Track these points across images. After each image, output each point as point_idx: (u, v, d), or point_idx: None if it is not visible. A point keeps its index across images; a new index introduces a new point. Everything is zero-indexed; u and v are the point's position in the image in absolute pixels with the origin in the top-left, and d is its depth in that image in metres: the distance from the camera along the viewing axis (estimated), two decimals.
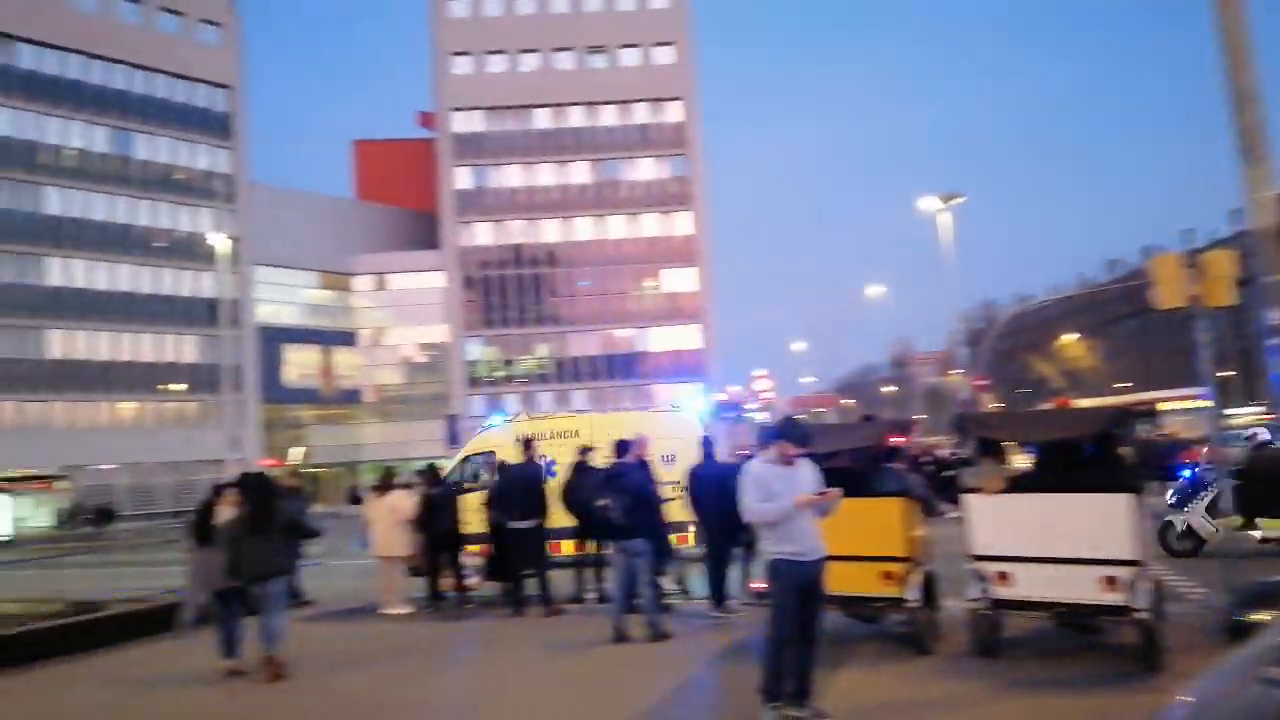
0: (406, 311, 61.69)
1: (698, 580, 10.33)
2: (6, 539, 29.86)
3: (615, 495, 8.48)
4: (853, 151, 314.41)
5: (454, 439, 50.71)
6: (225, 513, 8.35)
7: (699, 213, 62.03)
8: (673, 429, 14.15)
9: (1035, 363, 79.46)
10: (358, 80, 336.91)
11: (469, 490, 13.25)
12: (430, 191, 62.65)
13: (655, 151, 62.20)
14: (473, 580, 11.37)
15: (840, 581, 6.53)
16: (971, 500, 7.11)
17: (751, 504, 5.64)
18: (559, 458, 13.01)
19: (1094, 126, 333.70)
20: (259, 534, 7.84)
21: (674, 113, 62.47)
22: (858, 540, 7.09)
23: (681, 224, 62.16)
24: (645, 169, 62.28)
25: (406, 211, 65.95)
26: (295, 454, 57.49)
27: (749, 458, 7.88)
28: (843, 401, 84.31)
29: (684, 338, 61.61)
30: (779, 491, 5.59)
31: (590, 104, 61.62)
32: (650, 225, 62.03)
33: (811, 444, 6.01)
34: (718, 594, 9.43)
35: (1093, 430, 7.35)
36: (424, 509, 10.97)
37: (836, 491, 5.76)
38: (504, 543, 10.79)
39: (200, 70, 54.46)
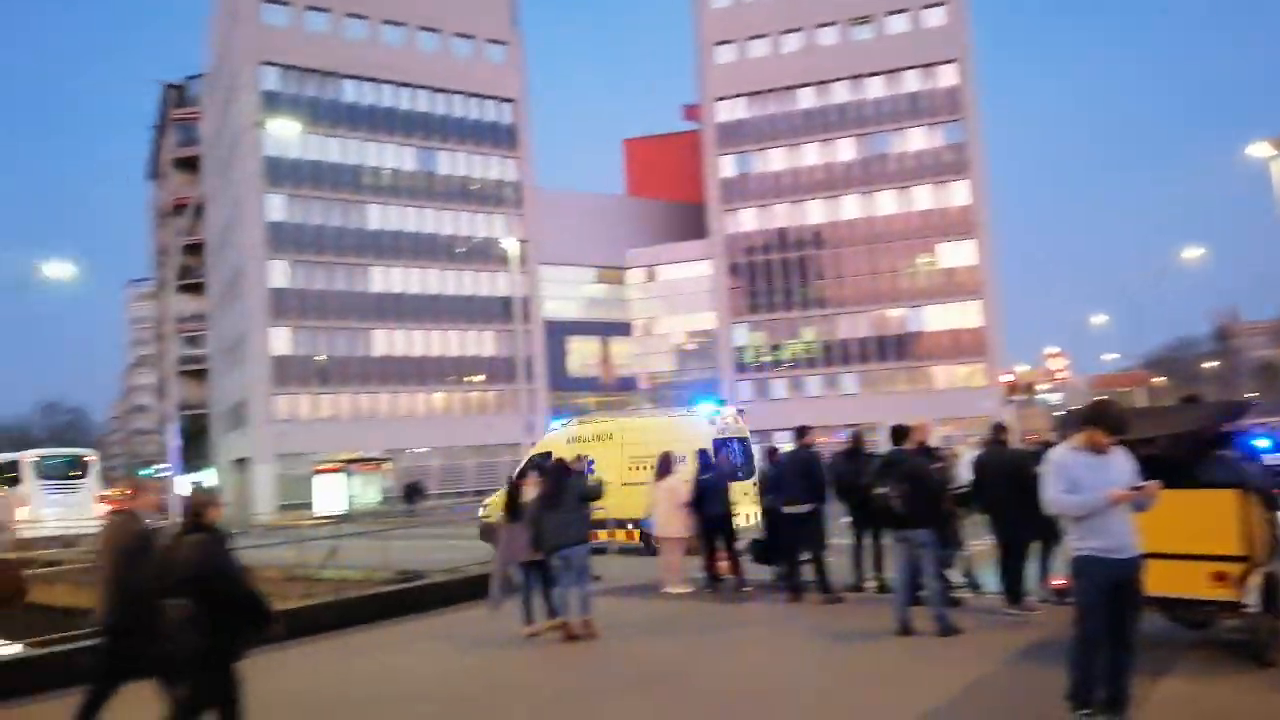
0: (676, 301, 63.63)
1: (989, 574, 9.74)
2: (343, 514, 34.29)
3: (895, 483, 8.18)
4: (1157, 98, 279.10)
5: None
6: (530, 492, 9.30)
7: (977, 181, 58.20)
8: (691, 431, 15.29)
9: None
10: (629, 81, 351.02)
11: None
12: (697, 182, 63.95)
13: (927, 120, 59.15)
14: (745, 564, 11.51)
15: (1161, 582, 5.93)
16: None
17: (1055, 495, 5.22)
18: (599, 457, 15.66)
19: None
20: (555, 509, 8.70)
21: (947, 77, 59.02)
22: (1183, 537, 6.37)
23: (958, 194, 58.67)
24: (916, 139, 59.43)
25: (674, 204, 67.84)
26: None
27: (1045, 445, 7.29)
28: (1154, 380, 75.33)
29: (963, 315, 58.19)
30: (1087, 482, 5.13)
31: (856, 77, 59.80)
32: (923, 198, 59.15)
33: (1127, 430, 5.44)
34: (1013, 590, 8.84)
35: (1205, 425, 6.99)
36: (696, 493, 11.25)
37: (1155, 485, 5.20)
38: (777, 527, 10.84)
39: (489, 88, 59.39)
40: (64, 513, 27.85)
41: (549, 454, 15.41)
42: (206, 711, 5.17)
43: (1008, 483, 8.76)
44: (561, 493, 8.82)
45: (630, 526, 15.74)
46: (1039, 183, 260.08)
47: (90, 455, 32.18)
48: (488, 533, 16.16)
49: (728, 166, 61.75)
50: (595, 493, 9.23)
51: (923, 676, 6.84)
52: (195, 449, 62.69)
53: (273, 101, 51.28)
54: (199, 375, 65.93)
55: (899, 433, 8.69)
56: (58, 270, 28.80)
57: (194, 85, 70.21)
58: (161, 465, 69.50)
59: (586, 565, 8.96)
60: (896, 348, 58.91)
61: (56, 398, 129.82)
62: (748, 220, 61.52)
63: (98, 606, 5.66)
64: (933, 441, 10.43)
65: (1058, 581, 9.08)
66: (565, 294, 62.11)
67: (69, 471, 30.62)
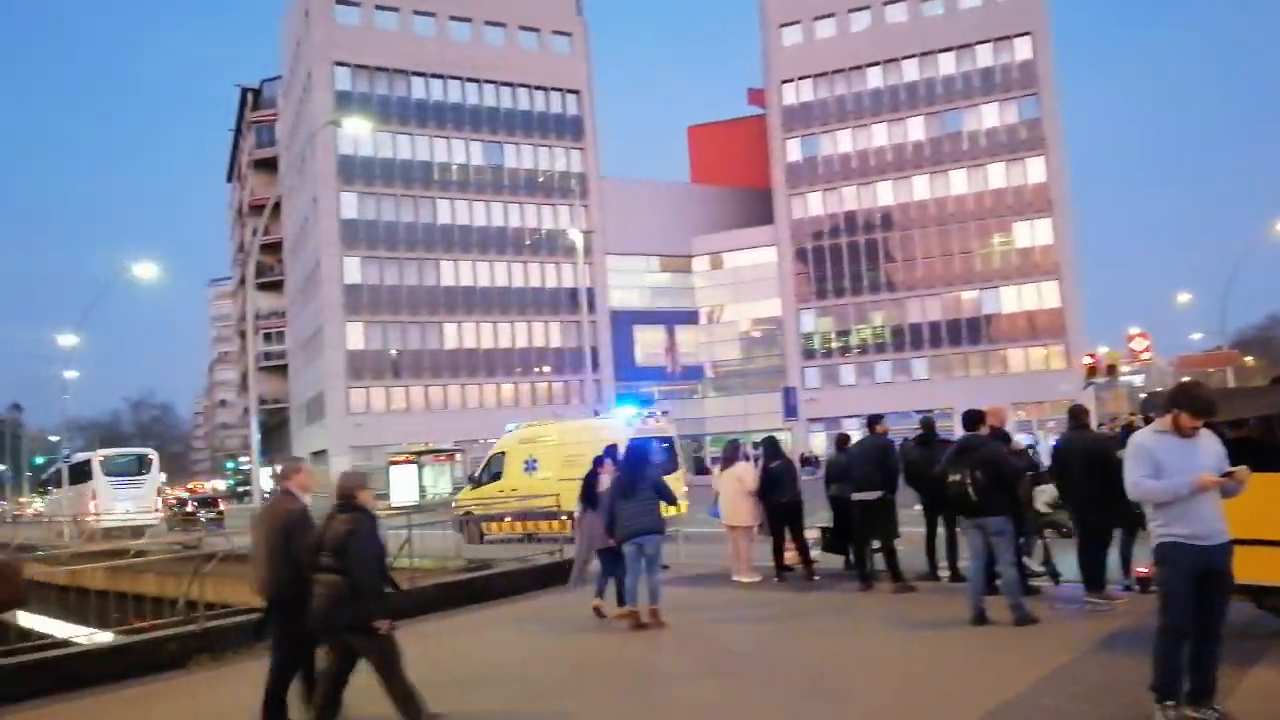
0: (742, 288, 63.17)
1: (1068, 562, 9.45)
2: (415, 504, 35.04)
3: (969, 469, 7.98)
4: (1244, 67, 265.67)
5: (791, 411, 51.25)
6: (606, 481, 9.42)
7: (1054, 157, 56.35)
8: (611, 433, 16.87)
9: None
10: (693, 66, 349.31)
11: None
12: (762, 167, 63.34)
13: (1000, 95, 57.44)
14: (816, 553, 11.41)
15: (1250, 569, 5.69)
16: None
17: (1138, 480, 5.02)
18: (542, 456, 19.26)
19: None
20: (630, 498, 8.80)
21: (1022, 50, 57.20)
22: (1273, 522, 6.07)
23: (1034, 171, 56.91)
24: (989, 116, 57.76)
25: (740, 190, 67.32)
26: None
27: (1128, 429, 7.04)
28: (1243, 360, 71.96)
29: (1040, 296, 56.51)
30: (1172, 467, 4.92)
31: (926, 54, 58.37)
32: (997, 176, 57.52)
33: (1214, 412, 5.20)
34: (1094, 578, 8.55)
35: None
36: (764, 481, 11.19)
37: (1244, 470, 4.96)
38: (844, 516, 10.71)
39: (554, 79, 59.74)
40: (129, 506, 30.47)
41: (503, 454, 20.07)
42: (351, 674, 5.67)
43: (1089, 468, 8.48)
44: (637, 482, 8.91)
45: (563, 517, 16.13)
46: (1120, 157, 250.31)
47: (151, 454, 34.90)
48: (461, 525, 17.94)
49: (794, 150, 60.99)
50: (670, 495, 9.22)
51: (999, 666, 6.68)
52: (275, 442, 64.86)
53: (345, 101, 52.47)
54: (278, 370, 68.12)
55: (973, 418, 8.47)
56: (145, 271, 30.01)
57: (269, 88, 72.31)
58: (243, 458, 72.09)
59: (658, 554, 9.04)
60: (969, 331, 57.52)
61: (145, 394, 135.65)
62: (815, 204, 60.69)
63: (258, 579, 6.08)
64: (1008, 426, 10.17)
65: (1141, 569, 8.81)
66: (631, 283, 62.25)
67: (134, 469, 33.24)
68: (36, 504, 51.99)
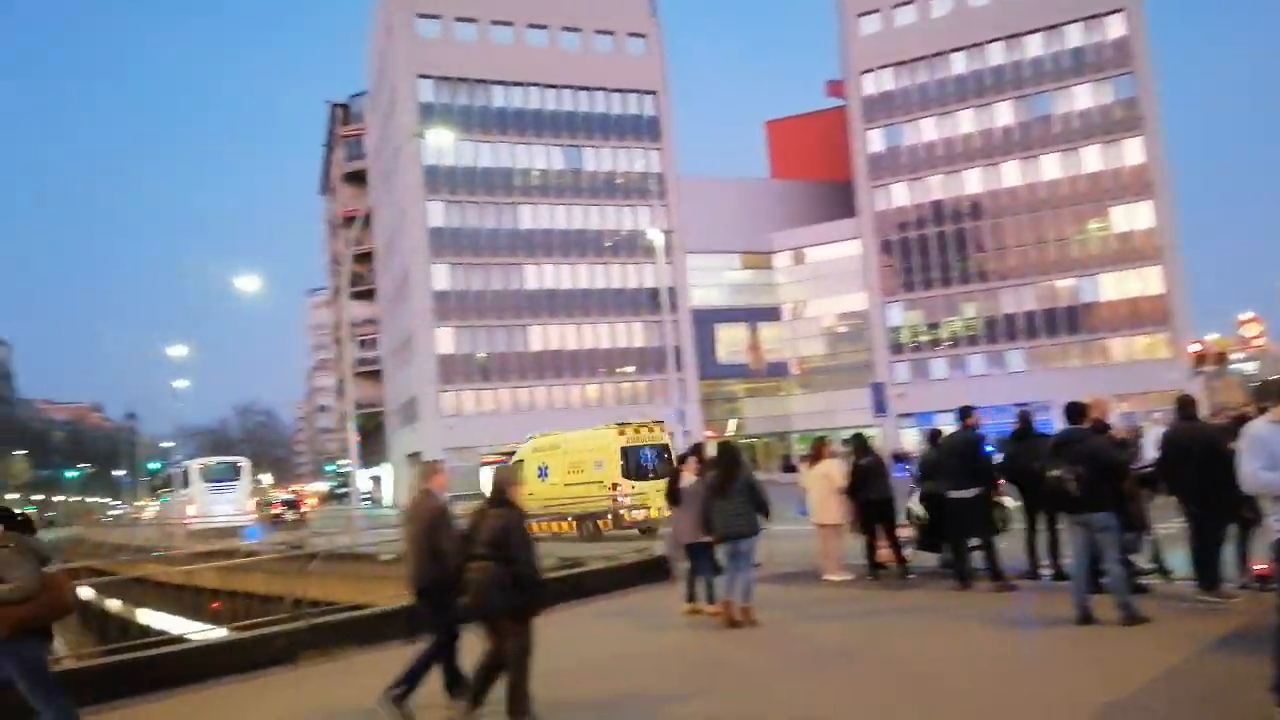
0: (825, 283, 62.27)
1: (1179, 559, 9.01)
2: None
3: (1070, 463, 7.67)
4: None
5: (879, 408, 50.18)
6: (688, 478, 9.42)
7: (1152, 137, 53.84)
8: (605, 441, 20.20)
9: None
10: (769, 61, 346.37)
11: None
12: (843, 160, 62.34)
13: (1093, 75, 55.20)
14: (909, 552, 11.17)
15: None
16: None
17: (1255, 471, 4.77)
18: (552, 464, 21.29)
19: None
20: (725, 497, 8.81)
21: (1115, 27, 54.85)
22: None
23: (1131, 153, 54.50)
24: (1081, 97, 55.56)
25: (820, 183, 66.41)
26: (730, 425, 61.27)
27: (1241, 419, 6.69)
28: None
29: (1142, 282, 54.09)
30: None
31: (1012, 37, 56.51)
32: (1091, 159, 55.29)
33: None
34: (1208, 576, 8.14)
35: None
36: (853, 478, 11.01)
37: None
38: (939, 513, 10.45)
39: (630, 81, 60.02)
40: (225, 508, 33.52)
41: (522, 461, 20.88)
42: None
43: (1199, 460, 8.07)
44: (732, 481, 8.91)
45: (569, 519, 19.32)
46: (1226, 132, 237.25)
47: (243, 461, 38.55)
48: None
49: (876, 141, 59.82)
50: (764, 501, 9.15)
51: (1105, 667, 6.42)
52: (372, 445, 66.94)
53: (428, 112, 53.76)
54: (373, 376, 70.31)
55: (1075, 410, 8.13)
56: (247, 283, 31.32)
57: (357, 103, 74.67)
58: (343, 460, 74.61)
59: (751, 553, 9.03)
60: (1067, 320, 55.41)
61: (250, 401, 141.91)
62: (899, 195, 59.40)
63: (408, 571, 6.55)
64: (1111, 418, 9.74)
65: (1259, 566, 8.33)
66: (712, 281, 62.07)
67: (228, 475, 36.88)
68: (151, 507, 54.95)
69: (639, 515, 18.55)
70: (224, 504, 34.19)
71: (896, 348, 59.21)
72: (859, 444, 11.42)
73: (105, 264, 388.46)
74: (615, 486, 19.19)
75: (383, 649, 9.12)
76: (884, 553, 11.03)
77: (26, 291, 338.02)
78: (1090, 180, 55.17)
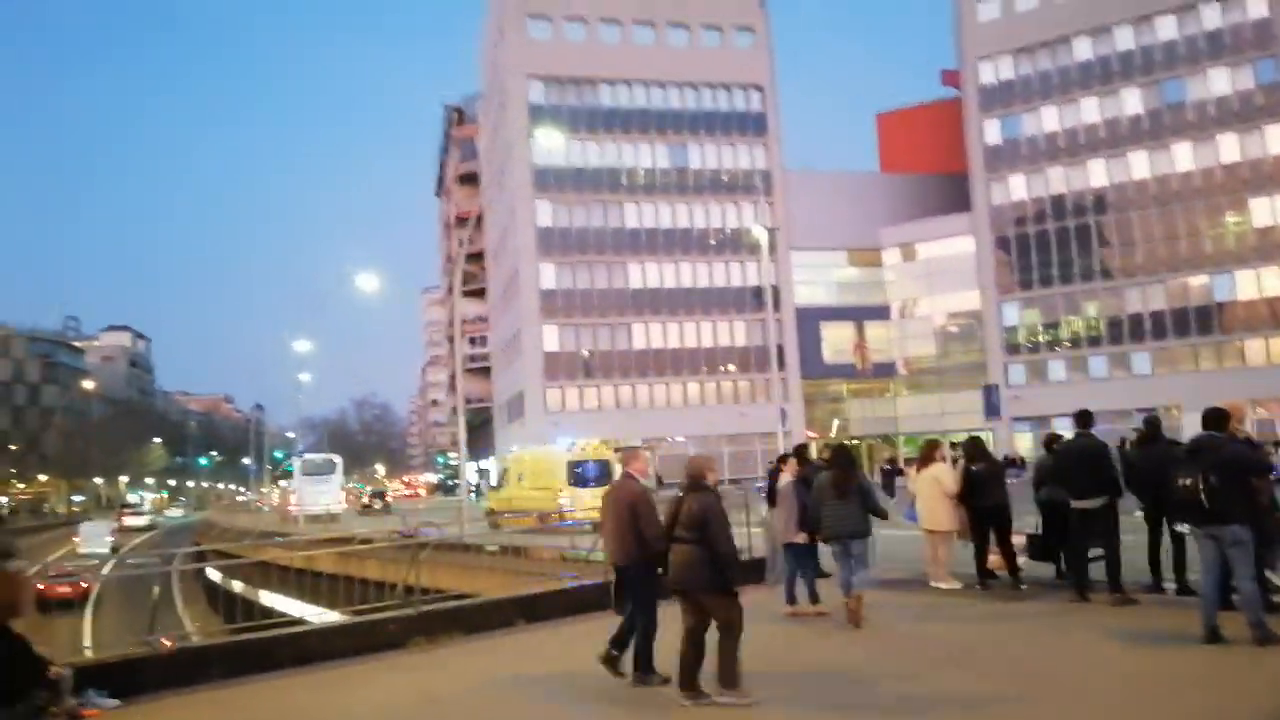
0: (937, 280, 60.34)
1: None
2: None
3: (1202, 471, 7.20)
4: None
5: (993, 410, 48.33)
6: (785, 478, 9.35)
7: None
8: (556, 457, 25.94)
9: None
10: (881, 52, 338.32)
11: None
12: (957, 152, 60.31)
13: (1230, 59, 51.68)
14: (1022, 560, 10.73)
15: None
16: None
17: None
18: (525, 473, 27.06)
19: None
20: (841, 499, 8.86)
21: (1255, 6, 51.20)
22: None
23: (1272, 141, 50.80)
24: (1217, 82, 52.10)
25: (932, 177, 64.43)
26: (833, 426, 60.17)
27: None
28: None
29: None
30: None
31: (1142, 19, 53.47)
32: (1228, 148, 51.80)
33: None
34: None
35: None
36: (965, 484, 10.64)
37: None
38: (1055, 521, 9.99)
39: (737, 76, 59.65)
40: (322, 499, 38.75)
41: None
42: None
43: None
44: (849, 483, 8.99)
45: (531, 514, 23.44)
46: None
47: (336, 458, 44.82)
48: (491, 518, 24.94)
49: (993, 131, 57.61)
50: (877, 504, 9.29)
51: (1235, 688, 6.03)
52: (480, 438, 68.72)
53: (537, 113, 54.72)
54: (483, 372, 72.21)
55: (1215, 416, 7.59)
56: (367, 282, 32.47)
57: (471, 106, 76.74)
58: (453, 453, 76.90)
59: (864, 554, 9.06)
60: (1199, 320, 52.10)
61: (367, 394, 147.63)
62: (1017, 188, 57.04)
63: (610, 551, 7.16)
64: (1247, 425, 9.12)
65: None
66: (818, 278, 61.06)
67: (326, 469, 42.74)
68: (274, 495, 58.08)
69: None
70: (321, 495, 39.01)
71: (1012, 348, 56.92)
72: (973, 448, 11.03)
73: (237, 264, 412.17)
74: (560, 492, 24.74)
75: (487, 637, 9.36)
76: (995, 559, 10.63)
77: (166, 290, 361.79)
78: (1227, 171, 51.72)
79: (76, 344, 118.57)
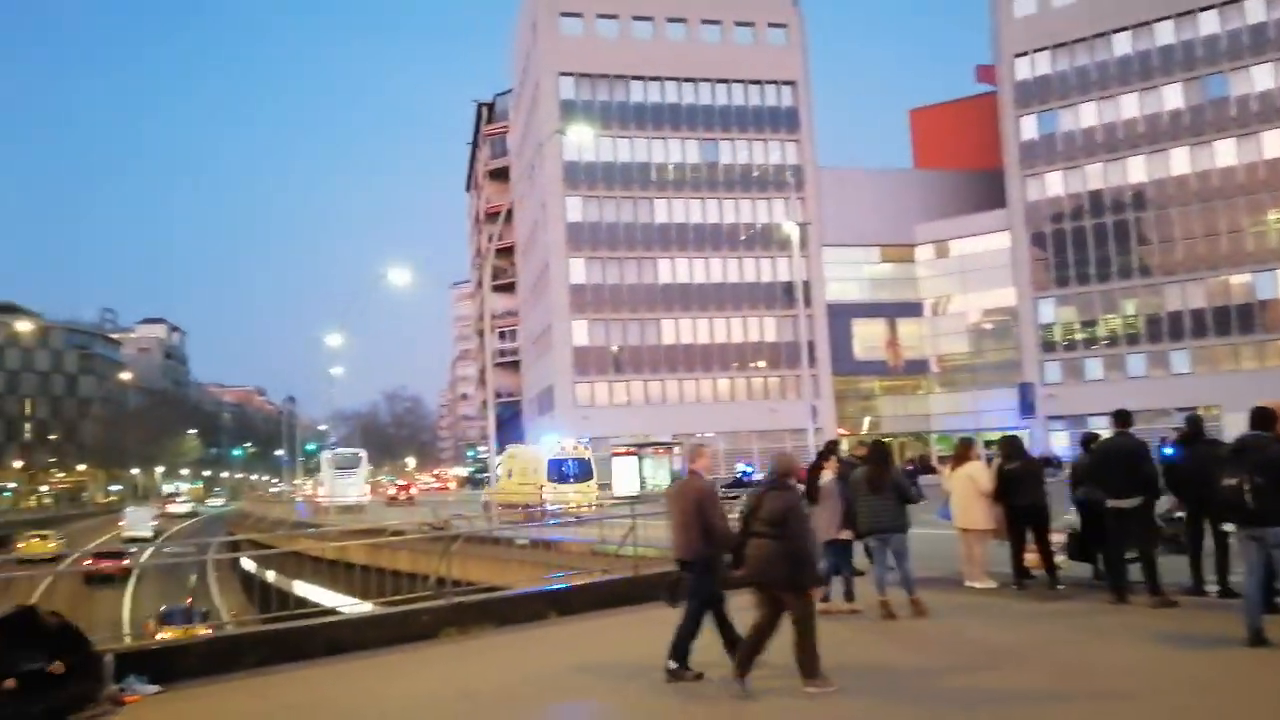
0: (971, 277, 59.65)
1: None
2: (634, 496, 36.03)
3: (1249, 471, 7.03)
4: None
5: (1026, 409, 47.80)
6: (827, 476, 9.30)
7: None
8: (538, 454, 29.86)
9: None
10: (915, 48, 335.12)
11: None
12: (992, 149, 59.56)
13: (1273, 53, 50.47)
14: (1061, 559, 10.58)
15: None
16: None
17: None
18: (514, 470, 30.81)
19: None
20: (876, 493, 9.00)
21: None
22: None
23: None
24: (1262, 77, 50.91)
25: (967, 173, 63.72)
26: (865, 423, 59.75)
27: None
28: None
29: None
30: None
31: (1183, 15, 52.37)
32: (1272, 144, 50.62)
33: None
34: None
35: None
36: (999, 483, 10.50)
37: None
38: (1092, 521, 9.83)
39: (770, 73, 59.30)
40: (349, 491, 41.13)
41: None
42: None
43: None
44: (883, 479, 9.10)
45: (518, 508, 26.31)
46: None
47: (362, 452, 47.56)
48: (485, 507, 27.05)
49: (1029, 128, 56.78)
50: (910, 493, 9.49)
51: (1276, 692, 5.86)
52: (510, 433, 69.00)
53: (569, 109, 54.83)
54: (512, 366, 72.52)
55: (1262, 416, 7.42)
56: (398, 276, 32.68)
57: (502, 102, 77.01)
58: (482, 447, 77.30)
59: (905, 549, 9.18)
60: (1240, 319, 51.04)
61: (398, 387, 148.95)
62: (1053, 184, 56.19)
63: (675, 545, 7.23)
64: None
65: None
66: (850, 275, 60.62)
67: (352, 463, 44.92)
68: (306, 486, 58.96)
69: (570, 505, 26.06)
70: (348, 487, 41.55)
71: (1048, 346, 56.13)
72: (1009, 446, 10.89)
73: (270, 257, 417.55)
74: (541, 487, 27.61)
75: (518, 629, 9.39)
76: (1031, 557, 10.49)
77: (200, 282, 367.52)
78: (1270, 167, 50.56)
79: (113, 336, 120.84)
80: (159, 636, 29.77)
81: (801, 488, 8.81)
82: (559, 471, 29.65)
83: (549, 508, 25.98)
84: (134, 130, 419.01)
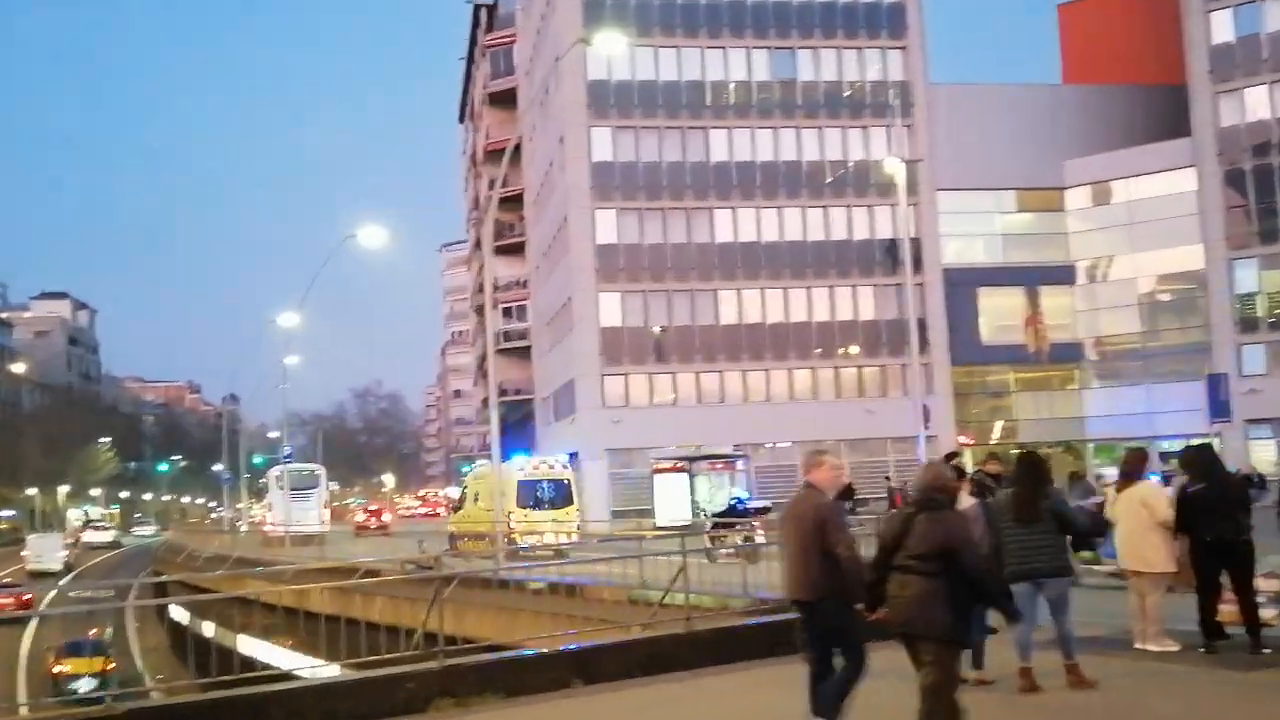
0: (1141, 231, 58.82)
1: None
2: (684, 525, 36.03)
3: None
4: None
5: (1220, 409, 47.09)
6: (966, 500, 9.27)
7: None
8: (508, 475, 30.43)
9: None
10: None
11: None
12: (1171, 58, 58.59)
13: None
14: (1269, 613, 10.44)
15: None
16: None
17: None
18: (480, 494, 32.59)
19: None
20: (1028, 524, 8.95)
21: None
22: None
23: None
24: None
25: (1136, 89, 62.79)
26: (995, 430, 59.25)
27: None
28: None
29: None
30: None
31: None
32: None
33: None
34: None
35: None
36: (1181, 508, 10.48)
37: None
38: None
39: None
40: (303, 516, 43.59)
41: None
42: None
43: None
44: (1036, 502, 9.03)
45: (484, 538, 28.50)
46: None
47: (319, 469, 52.87)
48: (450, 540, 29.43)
49: (1222, 27, 55.69)
50: (1081, 529, 9.77)
51: None
52: (517, 440, 69.41)
53: (595, 11, 54.67)
54: (521, 354, 72.94)
55: None
56: (371, 236, 32.94)
57: (506, 4, 77.25)
58: (481, 460, 77.97)
59: (1065, 599, 9.20)
60: None
61: (371, 383, 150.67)
62: (1257, 104, 55.14)
63: (791, 580, 7.48)
64: None
65: None
66: (975, 230, 60.16)
67: (306, 483, 48.15)
68: (255, 510, 60.12)
69: (549, 540, 27.27)
70: (303, 512, 43.82)
71: (1247, 324, 55.21)
72: (1196, 460, 10.85)
73: (205, 218, 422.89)
74: (509, 514, 28.30)
75: (532, 702, 9.45)
76: (1227, 610, 10.41)
77: (115, 247, 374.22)
78: None
79: (2, 315, 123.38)
80: (57, 670, 31.09)
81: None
82: (532, 496, 31.22)
83: (518, 543, 27.46)
84: (54, 63, 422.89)
